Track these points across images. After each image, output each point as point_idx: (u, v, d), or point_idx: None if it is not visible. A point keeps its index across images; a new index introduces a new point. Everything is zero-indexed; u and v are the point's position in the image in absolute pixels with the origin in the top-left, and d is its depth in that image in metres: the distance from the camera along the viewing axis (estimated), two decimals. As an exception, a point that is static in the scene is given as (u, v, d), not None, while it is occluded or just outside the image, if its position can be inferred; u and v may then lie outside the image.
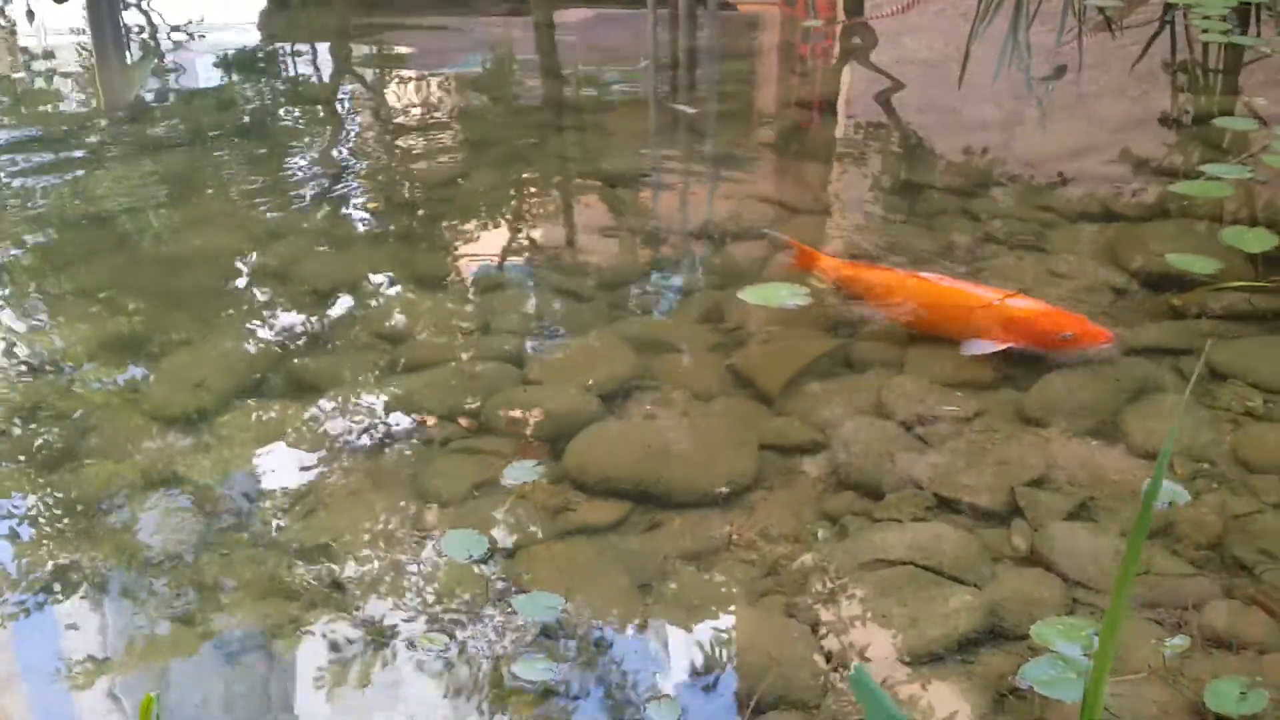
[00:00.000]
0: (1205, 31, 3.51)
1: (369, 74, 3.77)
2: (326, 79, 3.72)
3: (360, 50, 4.01)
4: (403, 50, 3.97)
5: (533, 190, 2.74)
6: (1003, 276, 2.25)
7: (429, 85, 3.62)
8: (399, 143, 3.08)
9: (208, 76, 3.65)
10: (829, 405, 1.90)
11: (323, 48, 3.99)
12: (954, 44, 3.83)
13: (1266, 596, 1.48)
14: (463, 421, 1.89)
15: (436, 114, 3.34)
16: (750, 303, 2.13)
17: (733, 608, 1.52)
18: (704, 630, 1.49)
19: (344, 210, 2.64)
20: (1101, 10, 4.00)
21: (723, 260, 2.40)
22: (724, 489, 1.72)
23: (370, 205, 2.66)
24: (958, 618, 1.45)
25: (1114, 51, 3.68)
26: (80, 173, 2.79)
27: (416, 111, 3.37)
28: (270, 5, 4.56)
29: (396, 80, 3.69)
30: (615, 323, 2.18)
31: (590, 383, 1.96)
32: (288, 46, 4.07)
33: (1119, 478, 1.71)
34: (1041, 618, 1.43)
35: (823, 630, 1.47)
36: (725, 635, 1.48)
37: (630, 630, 1.49)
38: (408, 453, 1.82)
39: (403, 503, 1.71)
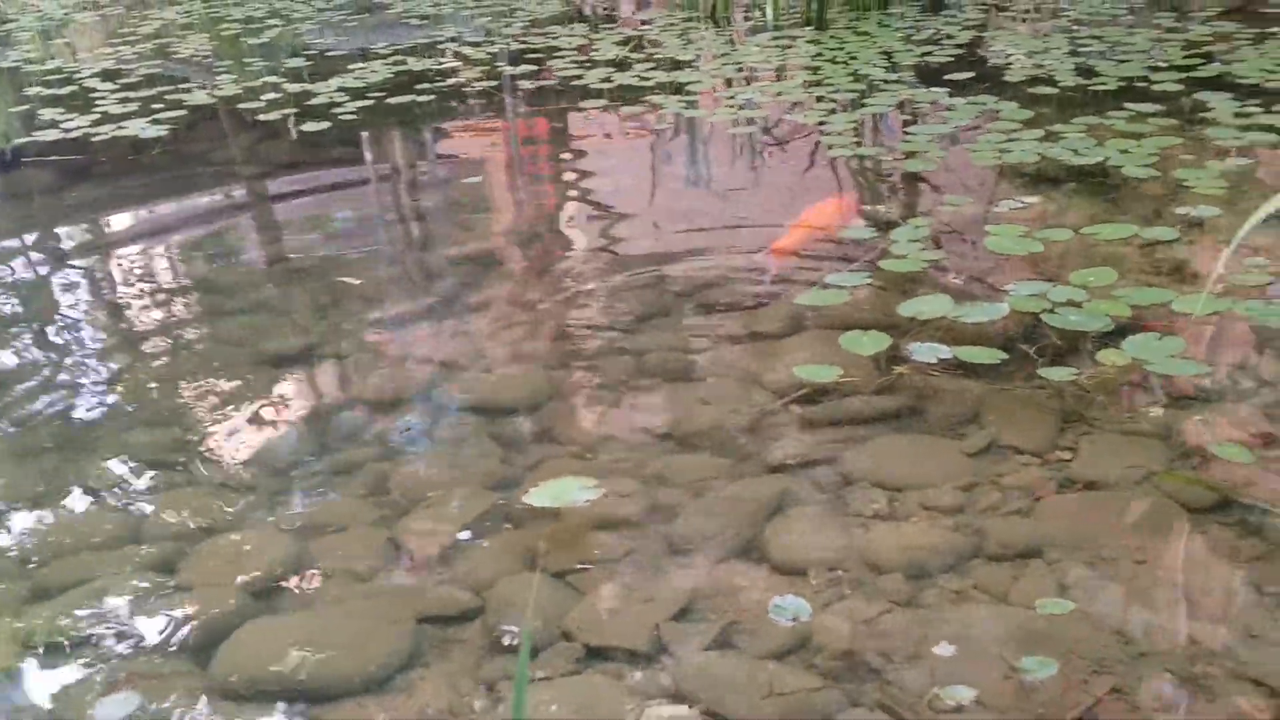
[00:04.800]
0: (830, 148, 3.81)
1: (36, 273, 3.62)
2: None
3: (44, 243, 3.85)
4: (71, 241, 3.84)
5: (194, 382, 2.67)
6: (652, 412, 2.34)
7: (103, 281, 3.50)
8: (45, 345, 2.96)
9: None
10: (487, 565, 1.92)
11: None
12: (658, 175, 4.01)
13: (891, 699, 1.56)
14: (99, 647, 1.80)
15: (97, 311, 3.23)
16: (539, 505, 2.01)
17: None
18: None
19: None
20: (768, 131, 4.29)
21: (384, 428, 2.40)
22: (380, 672, 1.70)
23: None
24: (602, 772, 1.47)
25: (779, 170, 3.93)
26: None
27: (79, 311, 3.25)
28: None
29: (61, 280, 3.56)
30: (275, 510, 2.14)
31: (245, 580, 1.91)
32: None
33: (760, 598, 1.78)
34: (683, 757, 1.47)
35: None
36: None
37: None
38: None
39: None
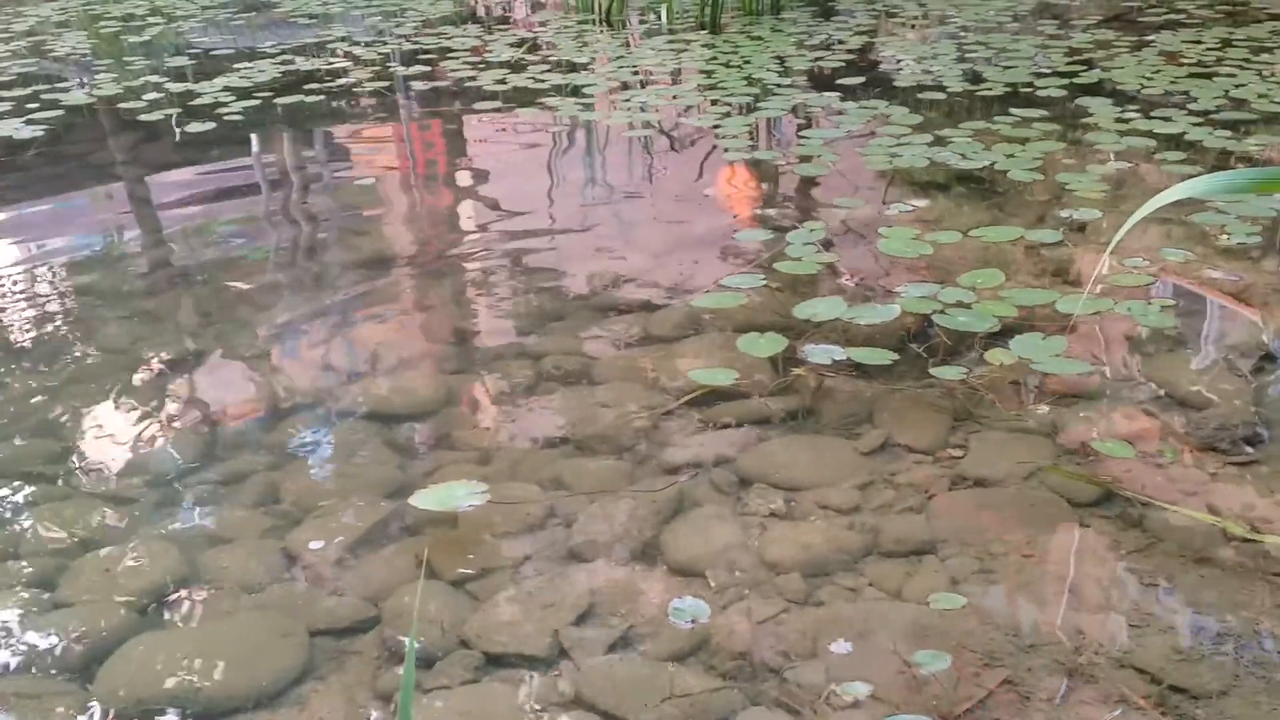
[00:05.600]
0: (727, 150, 3.84)
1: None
2: None
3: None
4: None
5: (74, 391, 2.58)
6: (550, 416, 2.33)
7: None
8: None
9: None
10: (382, 575, 1.88)
11: None
12: (554, 177, 3.98)
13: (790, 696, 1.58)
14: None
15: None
16: (423, 508, 1.99)
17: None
18: None
19: None
20: (665, 133, 4.31)
21: (275, 437, 2.35)
22: (272, 686, 1.65)
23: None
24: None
25: (675, 172, 3.94)
26: None
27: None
28: None
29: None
30: (160, 523, 2.07)
31: (129, 595, 1.85)
32: None
33: (659, 600, 1.78)
34: (583, 763, 1.46)
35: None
36: None
37: None
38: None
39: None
